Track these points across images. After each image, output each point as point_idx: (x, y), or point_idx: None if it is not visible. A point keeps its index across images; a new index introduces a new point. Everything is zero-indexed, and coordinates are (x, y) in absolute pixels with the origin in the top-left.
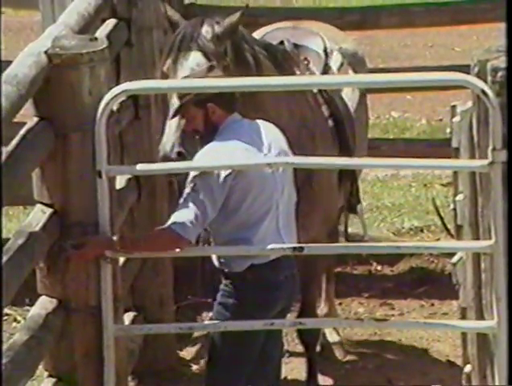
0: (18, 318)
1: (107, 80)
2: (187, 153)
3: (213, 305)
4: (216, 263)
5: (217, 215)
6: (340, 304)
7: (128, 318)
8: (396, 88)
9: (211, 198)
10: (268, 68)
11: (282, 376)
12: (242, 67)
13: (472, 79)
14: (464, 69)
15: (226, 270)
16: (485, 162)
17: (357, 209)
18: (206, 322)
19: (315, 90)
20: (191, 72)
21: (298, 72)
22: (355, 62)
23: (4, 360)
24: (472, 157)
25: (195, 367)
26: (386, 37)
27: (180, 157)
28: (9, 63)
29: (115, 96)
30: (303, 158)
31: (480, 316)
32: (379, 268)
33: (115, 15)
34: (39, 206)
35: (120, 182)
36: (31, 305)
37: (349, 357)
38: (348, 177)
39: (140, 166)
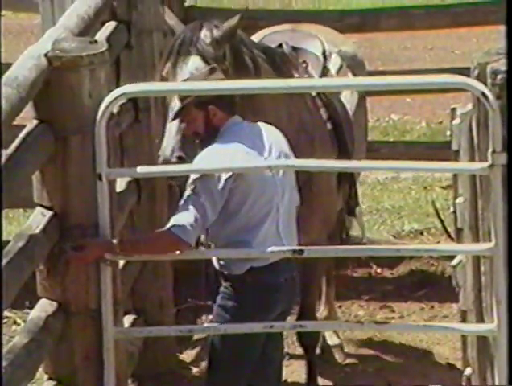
0: (18, 320)
1: (107, 83)
2: (188, 157)
3: (213, 307)
4: (216, 265)
5: (217, 218)
6: (340, 307)
7: (128, 320)
8: (396, 91)
9: (211, 200)
10: (266, 71)
11: (283, 379)
12: (241, 71)
13: (472, 81)
14: (464, 72)
15: (226, 273)
16: (485, 164)
17: (356, 212)
18: (206, 325)
19: (313, 93)
20: (190, 77)
21: (296, 75)
22: (354, 65)
23: (4, 363)
24: (472, 159)
25: (195, 370)
26: (385, 40)
27: (181, 161)
28: (9, 65)
29: (115, 98)
30: (303, 160)
31: (480, 319)
32: (379, 270)
33: (115, 18)
34: (39, 208)
35: (120, 184)
36: (31, 307)
37: (349, 360)
38: (347, 180)
39: (140, 169)
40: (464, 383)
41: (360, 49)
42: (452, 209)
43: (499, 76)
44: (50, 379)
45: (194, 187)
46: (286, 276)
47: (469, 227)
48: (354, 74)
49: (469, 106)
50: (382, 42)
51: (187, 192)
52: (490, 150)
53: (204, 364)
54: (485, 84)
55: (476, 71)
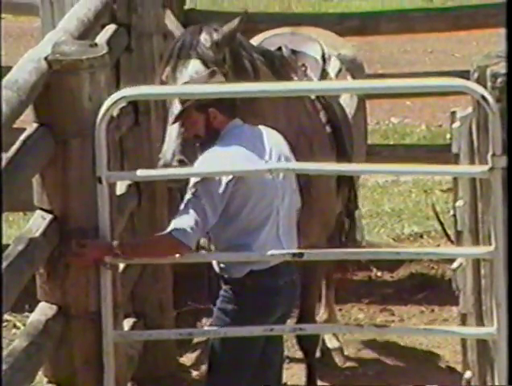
0: (18, 324)
1: (107, 86)
2: (188, 160)
3: (213, 311)
4: (216, 268)
5: (218, 221)
6: (340, 310)
7: (128, 324)
8: (396, 94)
9: (211, 204)
10: (265, 74)
11: (282, 382)
12: (240, 74)
13: (471, 84)
14: (464, 75)
15: (226, 276)
16: (485, 167)
17: (355, 215)
18: (206, 328)
19: (313, 96)
20: (190, 80)
21: (295, 78)
22: (353, 68)
23: (4, 366)
24: (472, 162)
25: (195, 373)
26: (385, 43)
27: (181, 164)
28: (9, 68)
29: (115, 101)
30: (303, 163)
31: (480, 322)
32: (379, 274)
33: (115, 21)
34: (39, 212)
35: (120, 187)
36: (31, 311)
37: (349, 363)
38: (346, 183)
39: (140, 172)
40: None
41: (360, 52)
42: (452, 212)
43: (499, 79)
44: (49, 382)
45: (195, 191)
46: (286, 279)
47: (469, 230)
48: (353, 77)
49: (469, 109)
50: (382, 45)
51: (188, 195)
52: (490, 153)
53: (204, 367)
54: (485, 87)
55: (476, 74)
